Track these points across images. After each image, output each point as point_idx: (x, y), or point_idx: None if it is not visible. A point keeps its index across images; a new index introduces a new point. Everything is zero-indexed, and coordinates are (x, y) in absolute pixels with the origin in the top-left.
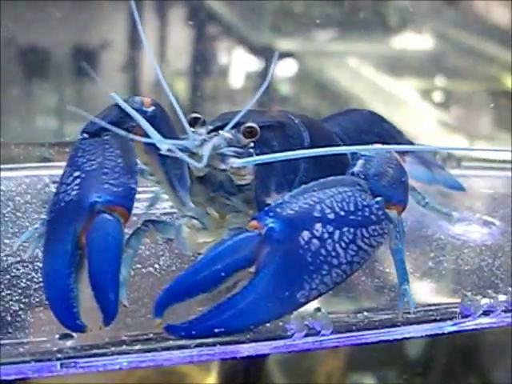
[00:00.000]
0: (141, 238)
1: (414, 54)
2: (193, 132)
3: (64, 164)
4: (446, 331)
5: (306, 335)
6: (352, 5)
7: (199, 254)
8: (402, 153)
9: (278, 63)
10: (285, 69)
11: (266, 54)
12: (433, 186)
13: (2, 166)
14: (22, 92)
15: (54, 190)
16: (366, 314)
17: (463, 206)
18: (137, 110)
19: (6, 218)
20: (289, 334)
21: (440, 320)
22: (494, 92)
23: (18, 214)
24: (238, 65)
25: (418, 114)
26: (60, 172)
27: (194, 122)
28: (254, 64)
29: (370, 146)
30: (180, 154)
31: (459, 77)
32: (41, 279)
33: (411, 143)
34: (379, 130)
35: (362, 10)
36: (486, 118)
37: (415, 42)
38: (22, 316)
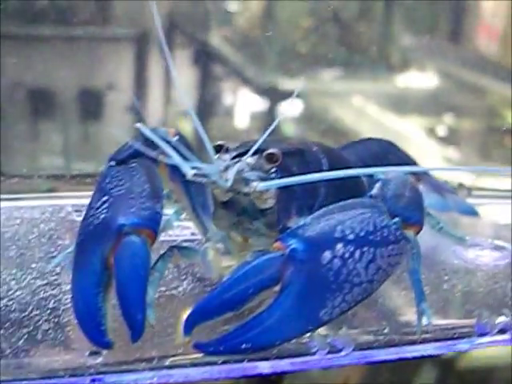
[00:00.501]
0: (167, 262)
1: (417, 92)
2: (217, 158)
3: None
4: (463, 349)
5: (328, 352)
6: (355, 45)
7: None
8: (417, 180)
9: (282, 103)
10: (290, 109)
11: (271, 94)
12: (446, 214)
13: (27, 196)
14: (28, 132)
15: (79, 217)
16: (386, 331)
17: (475, 232)
18: (162, 139)
19: (31, 244)
20: (312, 351)
21: (457, 338)
22: (498, 129)
23: (42, 240)
24: (243, 105)
25: (422, 151)
26: (81, 201)
27: (217, 150)
28: (260, 104)
29: (386, 168)
30: (205, 179)
31: (463, 114)
32: (68, 300)
33: (425, 172)
34: (394, 158)
35: (366, 50)
36: (490, 155)
37: (419, 80)
38: (52, 335)
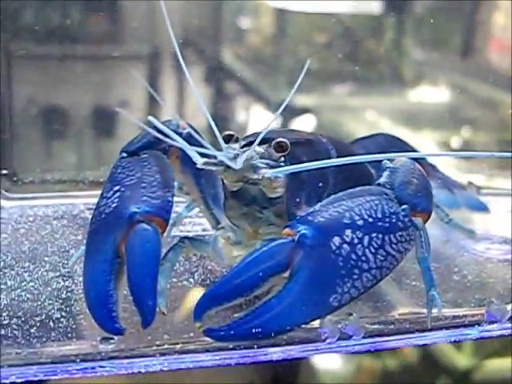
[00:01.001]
0: (178, 252)
1: (430, 107)
2: (227, 147)
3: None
4: (473, 337)
5: (339, 339)
6: (367, 59)
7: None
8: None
9: (296, 119)
10: (303, 124)
11: (284, 110)
12: (456, 210)
13: (40, 195)
14: (41, 151)
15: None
16: (396, 317)
17: (484, 227)
18: (173, 131)
19: (45, 239)
20: (322, 337)
21: (467, 326)
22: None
23: (55, 235)
24: (256, 121)
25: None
26: (94, 200)
27: (227, 139)
28: (271, 121)
29: (394, 154)
30: (215, 167)
31: (475, 127)
32: (80, 291)
33: (433, 166)
34: (402, 151)
35: (378, 65)
36: (503, 166)
37: (431, 94)
38: (64, 323)
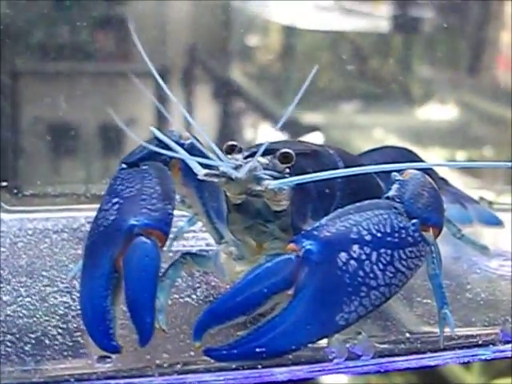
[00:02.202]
0: (179, 269)
1: (438, 125)
2: (229, 158)
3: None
4: (487, 357)
5: (347, 359)
6: (376, 77)
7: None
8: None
9: (305, 137)
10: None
11: (292, 128)
12: (469, 226)
13: (39, 208)
14: (49, 167)
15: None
16: (407, 336)
17: (497, 243)
18: (175, 142)
19: (43, 253)
20: (329, 357)
21: (481, 345)
22: None
23: (54, 249)
24: (263, 140)
25: None
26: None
27: (230, 150)
28: (280, 138)
29: (403, 165)
30: (217, 179)
31: (484, 145)
32: (78, 307)
33: (444, 180)
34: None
35: (386, 82)
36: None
37: (439, 112)
38: (60, 340)
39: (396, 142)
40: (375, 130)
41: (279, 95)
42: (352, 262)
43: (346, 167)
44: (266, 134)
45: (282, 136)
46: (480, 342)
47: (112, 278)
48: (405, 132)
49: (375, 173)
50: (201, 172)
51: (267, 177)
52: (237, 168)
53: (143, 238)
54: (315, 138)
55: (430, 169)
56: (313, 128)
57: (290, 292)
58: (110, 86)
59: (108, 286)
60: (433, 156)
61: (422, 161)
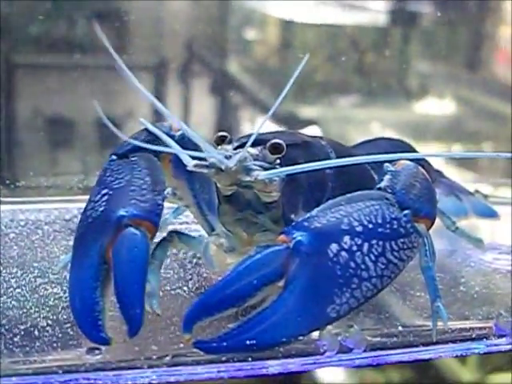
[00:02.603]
0: (166, 248)
1: (435, 119)
2: (219, 149)
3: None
4: (480, 351)
5: (338, 352)
6: (373, 71)
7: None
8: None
9: (302, 131)
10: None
11: (289, 121)
12: (463, 218)
13: (32, 199)
14: (47, 161)
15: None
16: (400, 329)
17: (491, 236)
18: (165, 133)
19: (35, 244)
20: (321, 350)
21: (474, 339)
22: None
23: (46, 241)
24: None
25: None
26: None
27: (220, 141)
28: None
29: (396, 155)
30: (206, 170)
31: (481, 139)
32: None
33: (439, 172)
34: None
35: (383, 77)
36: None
37: (437, 106)
38: (50, 331)
39: (393, 136)
40: (372, 124)
41: (277, 89)
42: (343, 253)
43: (338, 158)
44: (260, 125)
45: (277, 128)
46: (474, 336)
47: (101, 269)
48: (402, 126)
49: (368, 164)
50: (190, 163)
51: (257, 167)
52: (226, 159)
53: (132, 229)
54: (312, 132)
55: (425, 161)
56: (310, 122)
57: (281, 284)
58: (107, 79)
59: (97, 277)
60: (430, 150)
61: (415, 152)
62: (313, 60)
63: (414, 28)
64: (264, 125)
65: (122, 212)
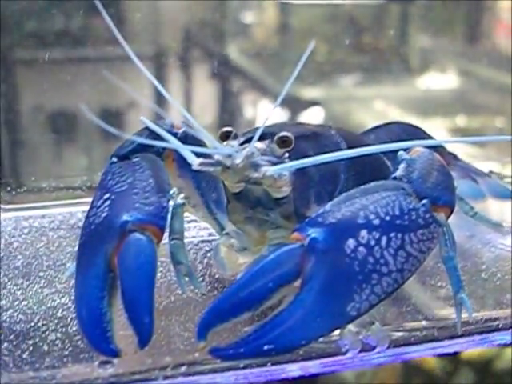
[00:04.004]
0: (182, 217)
1: (439, 94)
2: (224, 145)
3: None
4: (507, 342)
5: (361, 351)
6: (373, 49)
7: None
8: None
9: (305, 112)
10: (312, 117)
11: (292, 104)
12: (480, 201)
13: (36, 205)
14: (51, 155)
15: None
16: (423, 324)
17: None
18: (167, 131)
19: (40, 253)
20: (342, 350)
21: (501, 329)
22: None
23: (51, 248)
24: (264, 116)
25: None
26: None
27: (225, 136)
28: (280, 115)
29: (409, 143)
30: (212, 168)
31: (486, 113)
32: None
33: (453, 155)
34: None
35: (384, 53)
36: None
37: (439, 81)
38: (60, 345)
39: (397, 113)
40: (375, 102)
41: (277, 72)
42: (361, 248)
43: (349, 148)
44: (265, 111)
45: (281, 112)
46: (500, 326)
47: (107, 277)
48: (405, 103)
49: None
50: (195, 162)
51: (265, 163)
52: (232, 155)
53: (137, 234)
54: (315, 113)
55: (440, 145)
56: (312, 103)
57: (297, 284)
58: (107, 71)
59: (103, 287)
60: (434, 125)
61: (428, 137)
62: (312, 40)
63: (412, 3)
64: (269, 117)
65: (125, 217)
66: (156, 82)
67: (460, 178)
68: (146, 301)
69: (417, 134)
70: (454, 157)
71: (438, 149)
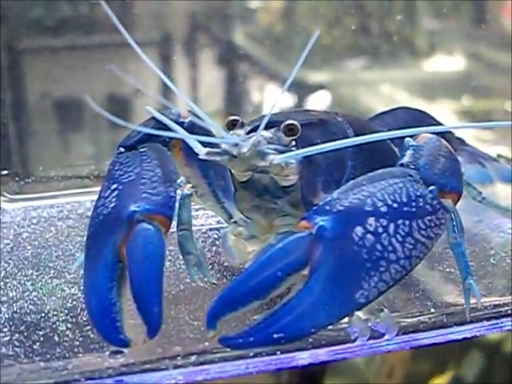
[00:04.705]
0: (189, 207)
1: (446, 76)
2: (231, 134)
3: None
4: None
5: (370, 338)
6: (380, 32)
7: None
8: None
9: (311, 96)
10: (318, 101)
11: (299, 88)
12: (488, 187)
13: (44, 195)
14: (58, 143)
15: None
16: (432, 310)
17: None
18: (174, 121)
19: (49, 243)
20: (351, 338)
21: (510, 315)
22: None
23: (60, 238)
24: (271, 101)
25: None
26: None
27: (232, 125)
28: (287, 99)
29: (416, 129)
30: (219, 157)
31: (493, 96)
32: None
33: (461, 140)
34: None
35: (391, 36)
36: None
37: (446, 63)
38: (70, 336)
39: (404, 96)
40: (382, 86)
41: (284, 56)
42: (368, 235)
43: (356, 135)
44: (271, 96)
45: (287, 97)
46: (510, 312)
47: (116, 268)
48: (412, 85)
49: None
50: (202, 151)
51: (272, 151)
52: (239, 144)
53: (145, 224)
54: (322, 97)
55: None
56: (319, 87)
57: (305, 272)
58: (113, 58)
59: (112, 277)
60: (441, 108)
61: (436, 122)
62: (318, 24)
63: None
64: (276, 104)
65: (133, 207)
66: (161, 74)
67: (468, 163)
68: (155, 291)
69: (424, 119)
70: (462, 142)
71: (445, 134)
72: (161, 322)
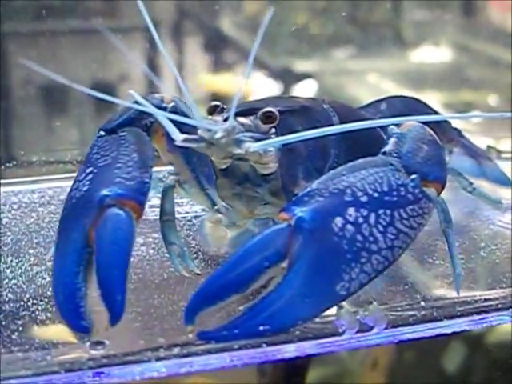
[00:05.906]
0: (172, 198)
1: (432, 67)
2: (209, 119)
3: None
4: (508, 321)
5: (358, 331)
6: (367, 22)
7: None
8: (449, 143)
9: (298, 85)
10: (305, 90)
11: (285, 76)
12: (480, 180)
13: (26, 179)
14: (43, 129)
15: None
16: (421, 304)
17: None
18: (156, 106)
19: (30, 229)
20: (339, 331)
21: (500, 309)
22: None
23: (41, 224)
24: (256, 89)
25: None
26: None
27: (213, 110)
28: (274, 87)
29: (399, 119)
30: (195, 144)
31: (479, 87)
32: None
33: (458, 131)
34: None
35: (378, 27)
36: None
37: (433, 54)
38: (50, 326)
39: (391, 86)
40: (369, 75)
41: (271, 44)
42: (349, 226)
43: (342, 123)
44: (259, 84)
45: (274, 85)
46: (499, 306)
47: (84, 252)
48: (399, 76)
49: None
50: (179, 137)
51: (248, 139)
52: (212, 130)
53: (116, 210)
54: (308, 86)
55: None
56: (305, 76)
57: (285, 265)
58: (99, 44)
59: (80, 262)
60: (428, 99)
61: (431, 111)
62: (305, 13)
63: None
64: (239, 91)
65: (105, 191)
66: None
67: (462, 154)
68: (119, 278)
69: (419, 108)
70: (459, 133)
71: (441, 124)
72: (123, 309)
